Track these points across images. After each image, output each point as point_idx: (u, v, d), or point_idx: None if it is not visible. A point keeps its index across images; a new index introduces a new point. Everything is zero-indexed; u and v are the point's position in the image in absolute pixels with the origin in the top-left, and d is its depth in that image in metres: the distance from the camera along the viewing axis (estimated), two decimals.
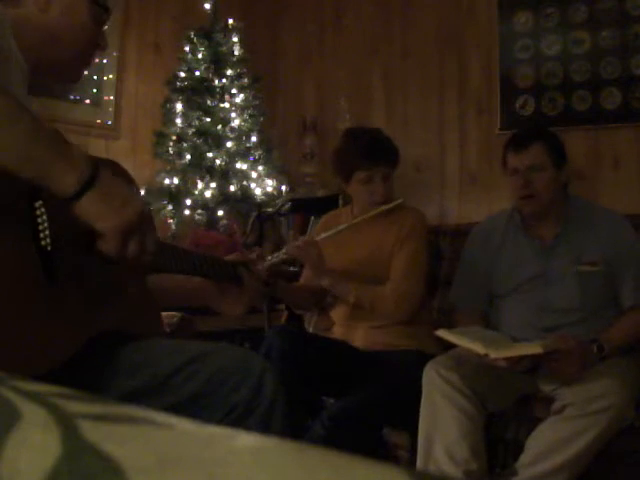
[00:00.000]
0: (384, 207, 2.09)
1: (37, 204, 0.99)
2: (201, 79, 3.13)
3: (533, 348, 1.76)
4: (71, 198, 0.89)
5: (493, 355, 1.74)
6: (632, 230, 2.02)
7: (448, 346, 1.92)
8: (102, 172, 0.92)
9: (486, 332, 1.98)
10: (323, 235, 2.06)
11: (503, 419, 1.88)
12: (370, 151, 2.11)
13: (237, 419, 1.13)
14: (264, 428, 1.12)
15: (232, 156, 3.12)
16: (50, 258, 0.99)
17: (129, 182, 1.27)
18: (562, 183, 2.04)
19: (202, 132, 3.08)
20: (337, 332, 2.21)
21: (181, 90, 3.11)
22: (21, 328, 0.92)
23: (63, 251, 1.02)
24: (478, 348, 1.76)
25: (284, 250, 2.04)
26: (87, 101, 3.10)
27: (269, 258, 1.95)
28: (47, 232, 0.99)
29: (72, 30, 1.17)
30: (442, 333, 1.88)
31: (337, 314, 2.25)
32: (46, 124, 0.91)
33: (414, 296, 2.10)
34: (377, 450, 1.96)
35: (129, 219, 0.94)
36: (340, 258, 2.18)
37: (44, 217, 0.99)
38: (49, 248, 0.99)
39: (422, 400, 1.81)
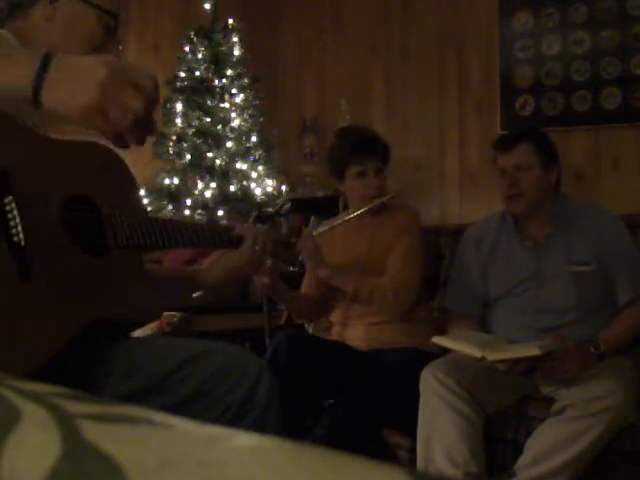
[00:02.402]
0: (377, 201, 2.11)
1: (7, 200, 0.97)
2: (201, 79, 3.14)
3: (530, 350, 1.76)
4: (34, 92, 0.82)
5: (490, 358, 1.74)
6: (621, 225, 2.02)
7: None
8: (54, 56, 0.85)
9: (482, 335, 1.98)
10: (320, 229, 2.07)
11: (503, 420, 1.88)
12: (361, 145, 2.15)
13: (232, 419, 1.13)
14: (258, 429, 1.12)
15: (232, 156, 3.12)
16: (24, 254, 0.98)
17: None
18: (551, 183, 2.04)
19: (202, 132, 3.08)
20: (337, 331, 2.22)
21: (181, 90, 3.11)
22: None
23: (39, 246, 1.00)
24: (475, 352, 1.75)
25: None
26: None
27: None
28: (19, 228, 0.98)
29: (80, 38, 1.18)
30: (438, 340, 1.88)
31: (336, 314, 2.25)
32: None
33: (412, 285, 2.10)
34: (377, 450, 1.96)
35: (98, 85, 0.82)
36: (337, 256, 2.18)
37: (14, 213, 0.97)
38: (22, 244, 0.98)
39: (420, 404, 1.81)
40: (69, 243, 1.07)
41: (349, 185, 2.19)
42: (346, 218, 2.09)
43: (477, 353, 1.75)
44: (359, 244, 2.20)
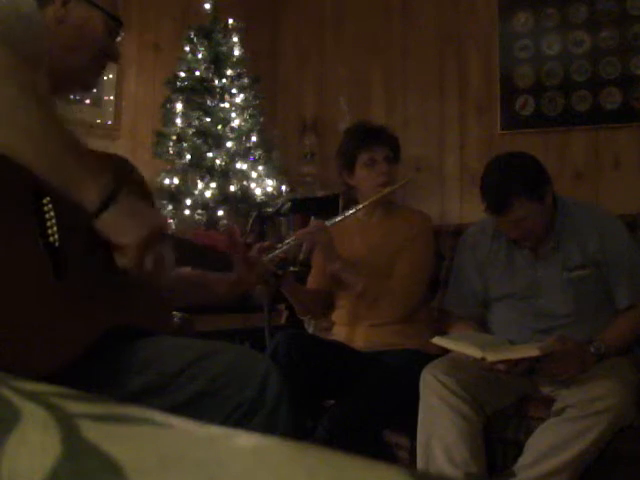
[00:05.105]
0: (389, 189, 2.14)
1: (45, 200, 0.99)
2: (201, 79, 3.13)
3: (530, 350, 1.75)
4: (92, 213, 0.93)
5: (490, 359, 1.74)
6: (621, 227, 1.99)
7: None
8: (123, 190, 0.95)
9: (482, 336, 1.98)
10: (332, 220, 2.08)
11: (503, 420, 1.88)
12: (369, 134, 2.19)
13: (241, 419, 1.13)
14: (268, 428, 1.12)
15: (232, 156, 3.12)
16: (58, 254, 0.99)
17: (144, 192, 1.31)
18: (550, 205, 1.94)
19: (202, 132, 3.08)
20: (337, 332, 2.22)
21: (181, 90, 3.11)
22: (30, 326, 0.92)
23: (72, 247, 1.02)
24: (475, 353, 1.75)
25: (294, 237, 2.05)
26: (87, 101, 3.10)
27: (279, 246, 1.97)
28: (55, 229, 0.99)
29: (85, 41, 1.21)
30: (438, 340, 1.88)
31: (338, 314, 2.25)
32: (78, 137, 0.95)
33: (418, 294, 2.14)
34: (377, 450, 1.96)
35: (145, 237, 0.97)
36: (347, 251, 2.18)
37: (52, 214, 0.99)
38: (57, 244, 0.99)
39: (420, 404, 1.81)
40: (93, 248, 1.08)
41: (359, 176, 2.19)
42: (358, 207, 2.12)
43: (478, 354, 1.75)
44: (370, 243, 2.21)
